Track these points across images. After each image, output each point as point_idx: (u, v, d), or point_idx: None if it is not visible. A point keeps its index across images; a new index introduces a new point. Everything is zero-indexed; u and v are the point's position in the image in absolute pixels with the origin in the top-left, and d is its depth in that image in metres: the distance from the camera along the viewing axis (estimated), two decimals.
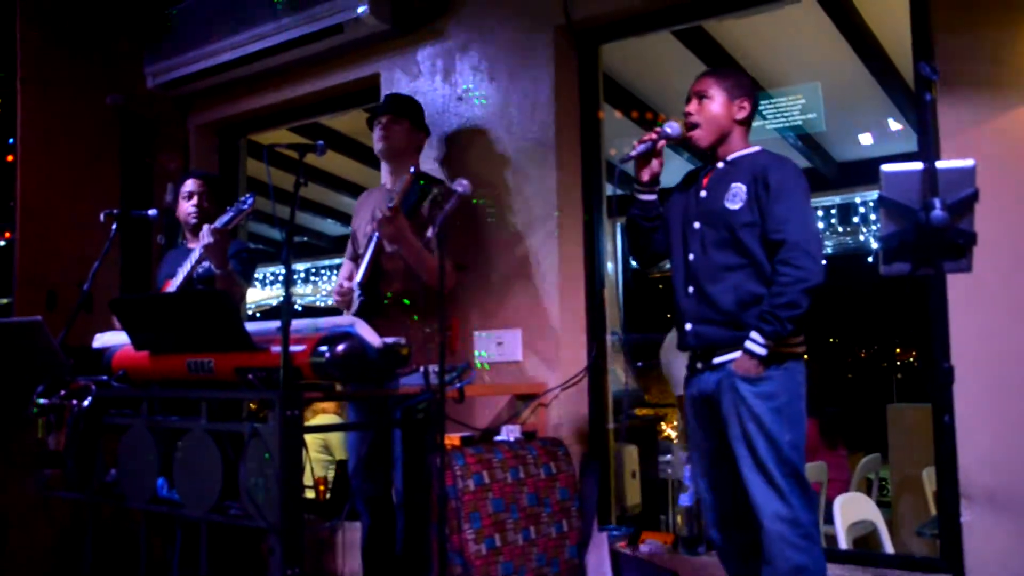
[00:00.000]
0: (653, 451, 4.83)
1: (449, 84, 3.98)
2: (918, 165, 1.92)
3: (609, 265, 3.98)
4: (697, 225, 2.67)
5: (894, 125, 5.37)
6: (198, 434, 2.42)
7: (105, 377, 2.85)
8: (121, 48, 4.74)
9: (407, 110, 3.46)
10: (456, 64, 3.97)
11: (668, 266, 2.80)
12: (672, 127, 2.74)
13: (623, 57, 4.48)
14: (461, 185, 2.87)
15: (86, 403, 2.70)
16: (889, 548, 3.36)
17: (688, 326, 2.65)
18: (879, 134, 5.57)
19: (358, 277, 3.16)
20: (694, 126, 2.70)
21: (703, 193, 2.69)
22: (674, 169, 6.20)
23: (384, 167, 3.48)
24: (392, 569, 3.19)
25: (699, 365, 2.66)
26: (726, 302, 2.56)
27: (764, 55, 4.56)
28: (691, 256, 2.67)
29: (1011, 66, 2.81)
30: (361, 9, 3.87)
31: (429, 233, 2.86)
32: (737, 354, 2.51)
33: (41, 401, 2.80)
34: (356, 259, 3.55)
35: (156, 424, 2.64)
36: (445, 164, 3.93)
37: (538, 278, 3.63)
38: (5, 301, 4.33)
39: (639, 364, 5.47)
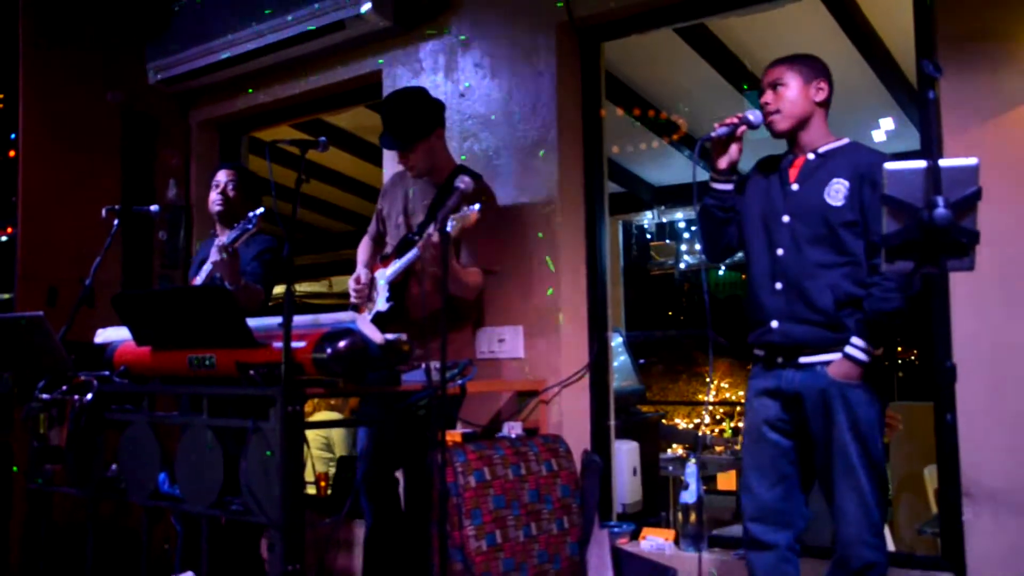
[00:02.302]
0: (655, 448, 4.84)
1: (451, 81, 3.98)
2: (921, 163, 1.91)
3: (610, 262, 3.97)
4: (786, 219, 2.58)
5: (895, 124, 5.37)
6: (199, 429, 2.42)
7: (107, 373, 2.86)
8: (123, 44, 4.73)
9: (415, 134, 3.20)
10: (458, 61, 3.97)
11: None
12: (755, 114, 2.64)
13: (625, 54, 4.48)
14: (463, 182, 2.85)
15: (88, 398, 2.71)
16: (890, 546, 3.36)
17: (775, 323, 2.56)
18: (881, 132, 5.56)
19: (388, 274, 3.12)
20: (773, 112, 2.62)
21: (794, 186, 2.60)
22: (680, 166, 6.24)
23: None
24: (393, 565, 3.20)
25: (779, 360, 2.58)
26: (823, 301, 2.48)
27: (766, 53, 4.53)
28: (780, 251, 2.58)
29: (1015, 64, 2.80)
30: (364, 6, 3.87)
31: (430, 230, 2.85)
32: (831, 356, 2.47)
33: (43, 396, 2.81)
34: (378, 239, 3.52)
35: (157, 420, 2.65)
36: None
37: (540, 275, 3.63)
38: (7, 296, 4.33)
39: (641, 361, 5.47)
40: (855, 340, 2.44)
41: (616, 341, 4.96)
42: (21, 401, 2.95)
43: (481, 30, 3.91)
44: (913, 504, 4.27)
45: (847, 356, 2.44)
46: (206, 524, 2.48)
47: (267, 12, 4.22)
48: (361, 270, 3.24)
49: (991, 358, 2.77)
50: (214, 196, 3.60)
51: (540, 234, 3.63)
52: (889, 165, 2.02)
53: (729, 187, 2.72)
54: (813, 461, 2.57)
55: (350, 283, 3.23)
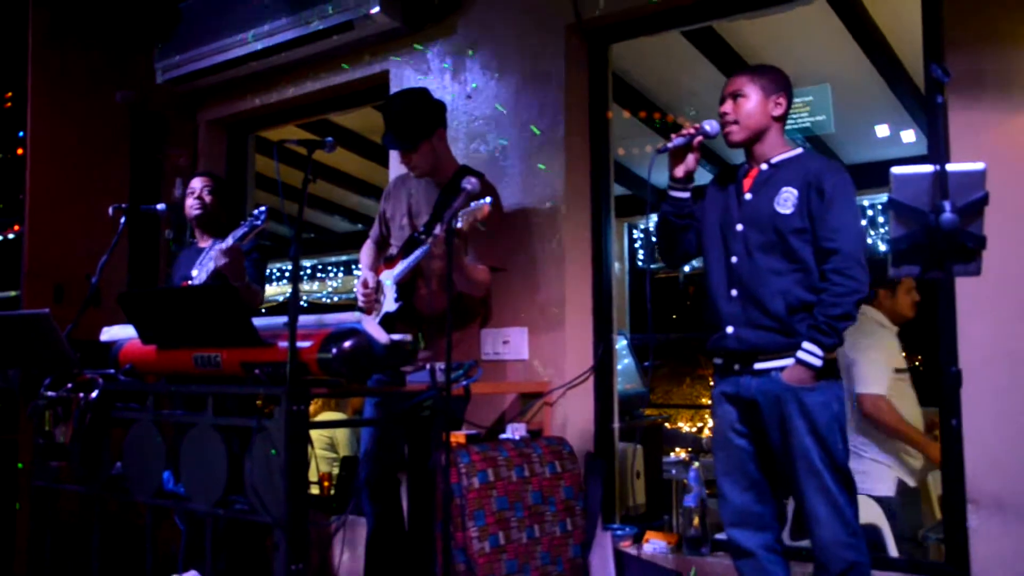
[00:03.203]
0: (658, 451, 4.83)
1: (458, 82, 3.98)
2: (928, 168, 1.91)
3: (616, 265, 3.97)
4: (740, 227, 2.62)
5: (903, 128, 5.36)
6: (204, 428, 2.42)
7: (112, 371, 2.86)
8: (131, 43, 4.75)
9: (419, 133, 3.20)
10: (466, 62, 3.97)
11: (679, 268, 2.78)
12: (711, 124, 2.69)
13: (633, 57, 4.48)
14: (470, 183, 2.85)
15: (93, 396, 2.71)
16: (894, 552, 3.35)
17: (729, 329, 2.60)
18: (888, 136, 5.55)
19: (396, 273, 3.12)
20: (731, 123, 2.66)
21: (747, 195, 2.64)
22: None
23: None
24: (396, 566, 3.20)
25: (736, 367, 2.61)
26: (775, 307, 2.52)
27: (774, 56, 4.53)
28: (734, 259, 2.62)
29: (1023, 68, 2.80)
30: (372, 7, 3.87)
31: (436, 230, 2.85)
32: (785, 362, 2.49)
33: (48, 394, 2.82)
34: (381, 243, 3.53)
35: (162, 418, 2.65)
36: None
37: (545, 277, 3.63)
38: (13, 294, 4.35)
39: (645, 364, 5.46)
40: (806, 344, 2.46)
41: (620, 344, 4.95)
42: (27, 398, 2.96)
43: (489, 32, 3.91)
44: (917, 510, 4.24)
45: (799, 361, 2.47)
46: (210, 523, 2.48)
47: (275, 12, 4.23)
48: (367, 274, 3.24)
49: (997, 363, 2.76)
50: (191, 202, 3.65)
51: (546, 236, 3.63)
52: (896, 169, 2.02)
53: (686, 195, 2.77)
54: (774, 468, 2.59)
55: (356, 288, 3.23)
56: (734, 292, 2.62)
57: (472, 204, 2.75)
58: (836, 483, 2.45)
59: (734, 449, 2.64)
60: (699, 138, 2.70)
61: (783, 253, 2.54)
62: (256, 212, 3.00)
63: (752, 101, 2.64)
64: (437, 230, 2.89)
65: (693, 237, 2.80)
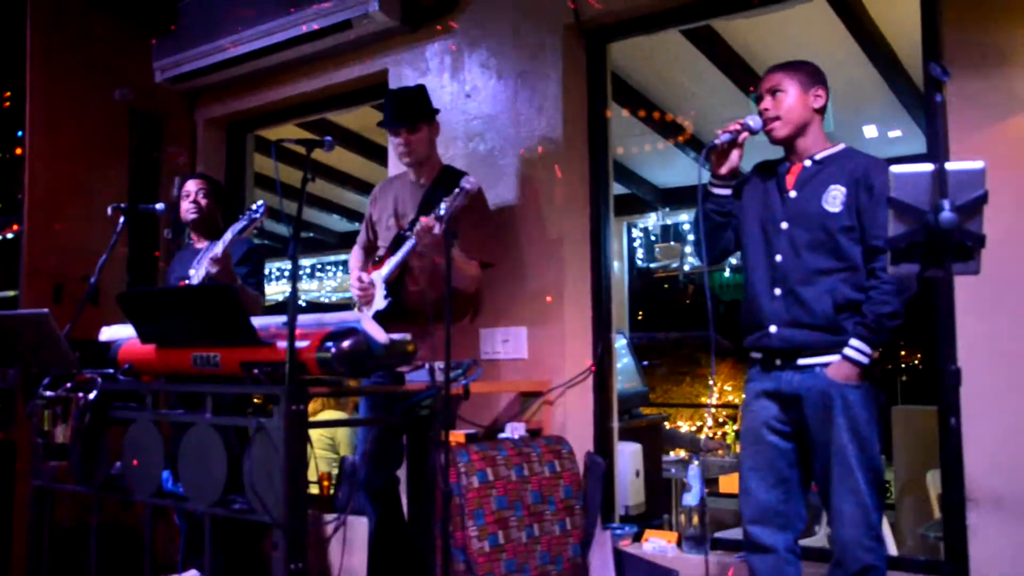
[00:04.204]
0: (657, 450, 4.84)
1: (457, 81, 3.98)
2: (927, 166, 1.91)
3: (615, 264, 3.97)
4: (785, 225, 2.60)
5: (901, 126, 5.36)
6: (203, 428, 2.42)
7: (111, 370, 2.86)
8: (129, 42, 4.74)
9: (420, 115, 3.30)
10: (464, 61, 3.97)
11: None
12: (755, 120, 2.65)
13: (632, 56, 4.48)
14: (468, 182, 2.86)
15: (92, 396, 2.71)
16: (892, 550, 3.35)
17: (773, 329, 2.57)
18: (886, 135, 5.55)
19: (384, 272, 3.13)
20: (773, 119, 2.63)
21: (792, 193, 2.62)
22: (685, 168, 6.23)
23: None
24: (396, 565, 3.20)
25: (777, 362, 2.59)
26: (822, 306, 2.50)
27: (773, 54, 4.53)
28: (779, 257, 2.60)
29: (1022, 66, 2.80)
30: (371, 6, 3.87)
31: (436, 230, 2.85)
32: (830, 358, 2.48)
33: (47, 393, 2.81)
34: (369, 248, 3.53)
35: (161, 417, 2.65)
36: (451, 161, 3.92)
37: (544, 276, 3.63)
38: (12, 293, 4.34)
39: (644, 363, 5.46)
40: (853, 342, 2.45)
41: (620, 343, 4.95)
42: (25, 398, 2.95)
43: (487, 31, 3.91)
44: (915, 508, 4.25)
45: (846, 357, 2.46)
46: (209, 523, 2.48)
47: (273, 11, 4.23)
48: (359, 273, 3.26)
49: (996, 362, 2.77)
50: (187, 205, 3.69)
51: (545, 235, 3.63)
52: (895, 168, 2.01)
53: (728, 192, 2.75)
54: (811, 463, 2.58)
55: (352, 286, 3.25)
56: (777, 291, 2.59)
57: (455, 191, 2.84)
58: (868, 484, 2.44)
59: (766, 445, 2.61)
60: (745, 134, 2.66)
61: (831, 252, 2.52)
62: (254, 206, 3.02)
63: (791, 95, 2.62)
64: (424, 218, 2.94)
65: (732, 235, 2.78)
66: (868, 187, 2.49)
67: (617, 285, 4.92)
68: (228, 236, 3.12)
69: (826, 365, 2.49)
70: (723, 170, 2.72)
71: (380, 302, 3.13)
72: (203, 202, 3.67)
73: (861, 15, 4.15)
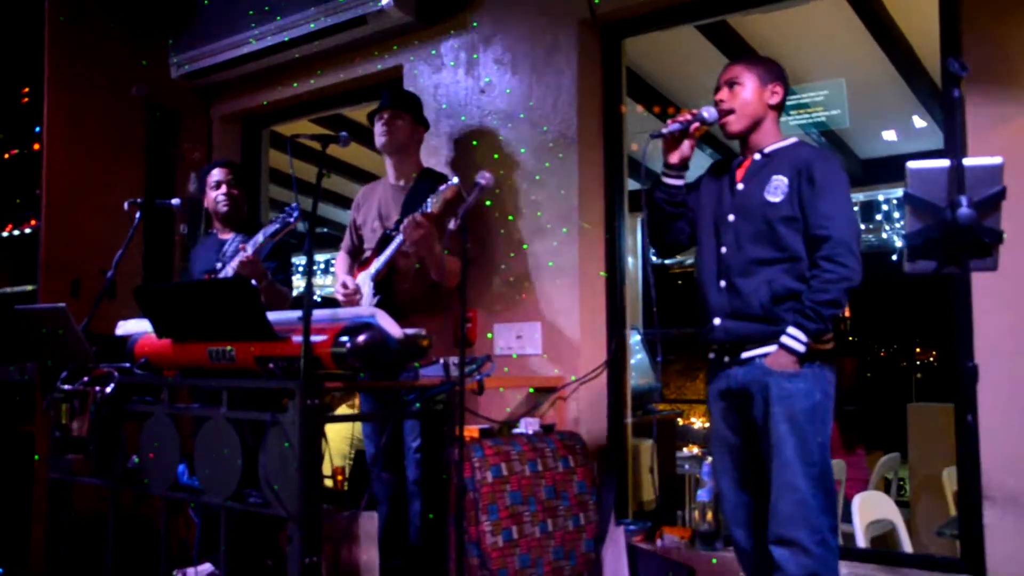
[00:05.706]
0: (671, 446, 4.82)
1: (472, 77, 3.98)
2: (945, 162, 1.90)
3: (630, 260, 3.96)
4: (732, 218, 2.60)
5: (918, 122, 5.33)
6: (219, 422, 2.43)
7: (128, 364, 2.88)
8: (146, 38, 4.77)
9: (408, 105, 3.50)
10: (479, 57, 3.97)
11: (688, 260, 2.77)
12: (709, 112, 2.65)
13: (647, 51, 4.46)
14: (484, 178, 2.87)
15: (109, 390, 2.73)
16: (908, 548, 3.33)
17: (717, 321, 2.58)
18: (903, 131, 5.52)
19: (371, 271, 3.16)
20: (727, 112, 2.63)
21: (739, 186, 2.62)
22: (700, 164, 6.20)
23: (387, 161, 3.49)
24: (409, 559, 3.21)
25: (725, 359, 2.59)
26: (760, 297, 2.49)
27: (789, 50, 4.52)
28: (724, 249, 2.60)
29: None
30: (385, 1, 3.88)
31: (451, 225, 2.85)
32: (769, 349, 2.46)
33: (65, 387, 2.83)
34: (354, 253, 3.56)
35: (177, 411, 2.66)
36: (466, 156, 3.93)
37: (558, 272, 3.62)
38: (30, 288, 4.37)
39: (659, 359, 5.45)
40: (790, 330, 2.42)
41: (634, 339, 4.94)
42: (43, 391, 2.98)
43: (503, 26, 3.91)
44: (931, 506, 4.23)
45: (782, 346, 2.43)
46: (224, 516, 2.50)
47: (289, 7, 4.24)
48: (344, 277, 3.28)
49: (1014, 358, 2.75)
50: (218, 195, 3.60)
51: (559, 230, 3.63)
52: (913, 164, 2.00)
53: (679, 182, 2.74)
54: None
55: (336, 290, 3.26)
56: (722, 283, 2.59)
57: (440, 187, 3.02)
58: (809, 480, 2.36)
59: (728, 446, 2.61)
60: (696, 124, 2.66)
61: (771, 242, 2.51)
62: (288, 208, 2.98)
63: (749, 89, 2.62)
64: (407, 220, 3.04)
65: (686, 227, 2.76)
66: (810, 178, 2.47)
67: (631, 281, 4.90)
68: (260, 238, 3.09)
69: (766, 355, 2.47)
70: (674, 159, 2.71)
71: (369, 300, 3.16)
72: (236, 192, 3.61)
73: (879, 10, 4.13)
